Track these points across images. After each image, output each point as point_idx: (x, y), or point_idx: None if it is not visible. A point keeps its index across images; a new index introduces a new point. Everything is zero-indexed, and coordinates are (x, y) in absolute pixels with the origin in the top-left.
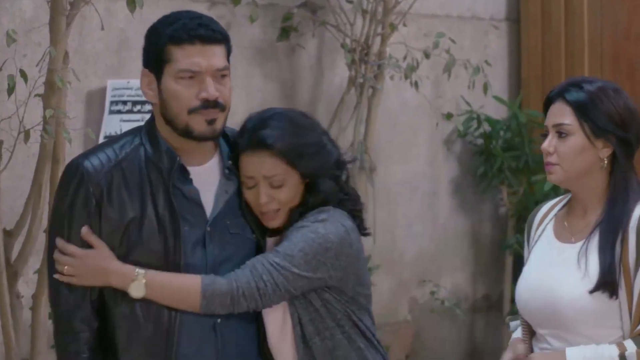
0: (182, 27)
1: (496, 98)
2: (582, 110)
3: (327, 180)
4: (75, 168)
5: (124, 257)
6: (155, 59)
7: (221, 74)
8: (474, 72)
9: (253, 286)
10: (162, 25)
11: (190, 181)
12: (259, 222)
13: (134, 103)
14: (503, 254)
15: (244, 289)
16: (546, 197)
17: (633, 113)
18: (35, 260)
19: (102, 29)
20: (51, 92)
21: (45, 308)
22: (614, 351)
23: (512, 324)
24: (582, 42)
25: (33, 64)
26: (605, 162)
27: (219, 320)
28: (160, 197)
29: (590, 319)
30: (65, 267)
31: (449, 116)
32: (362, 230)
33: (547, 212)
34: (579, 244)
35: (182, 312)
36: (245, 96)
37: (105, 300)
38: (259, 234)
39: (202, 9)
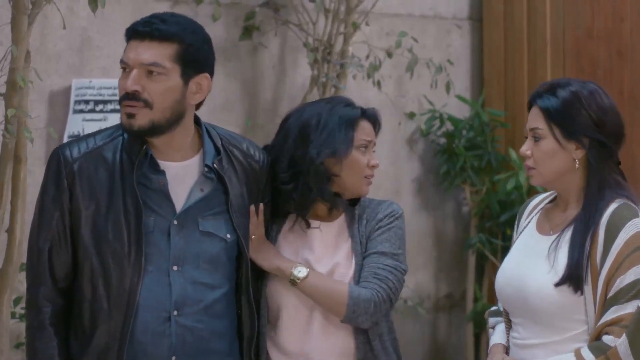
0: (134, 23)
1: (459, 97)
2: (551, 116)
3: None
4: (54, 154)
5: (94, 242)
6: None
7: (150, 70)
8: (436, 71)
9: (385, 288)
10: None
11: (161, 172)
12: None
13: (96, 102)
14: (466, 253)
15: (381, 294)
16: (509, 196)
17: (607, 113)
18: None
19: (64, 27)
20: (13, 91)
21: (7, 307)
22: None
23: (491, 320)
24: (545, 41)
25: None
26: (578, 163)
27: (175, 312)
28: (128, 184)
29: (556, 310)
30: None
31: (411, 115)
32: None
33: (538, 204)
34: (554, 237)
35: (140, 298)
36: (208, 95)
37: (74, 283)
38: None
39: (164, 7)
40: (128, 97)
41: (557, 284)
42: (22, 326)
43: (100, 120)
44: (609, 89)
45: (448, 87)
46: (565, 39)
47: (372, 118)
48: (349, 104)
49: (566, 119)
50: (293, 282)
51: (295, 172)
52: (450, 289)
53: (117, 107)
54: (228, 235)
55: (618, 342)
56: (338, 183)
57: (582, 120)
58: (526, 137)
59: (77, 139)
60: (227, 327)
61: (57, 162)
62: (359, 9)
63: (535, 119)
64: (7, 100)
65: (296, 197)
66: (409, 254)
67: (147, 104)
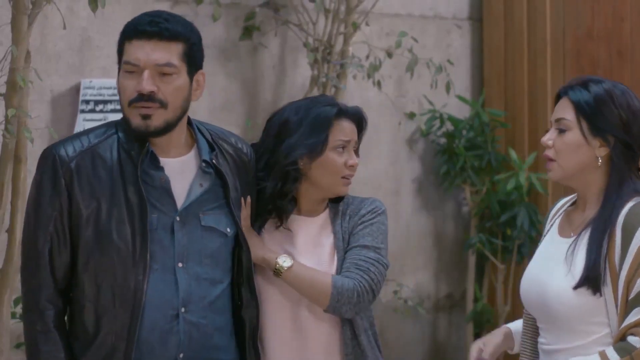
0: (135, 23)
1: (459, 97)
2: (581, 109)
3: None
4: (48, 154)
5: (97, 241)
6: (118, 54)
7: (163, 71)
8: (436, 71)
9: (367, 279)
10: (127, 22)
11: (161, 169)
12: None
13: (97, 102)
14: (466, 253)
15: (364, 284)
16: (509, 196)
17: (637, 116)
18: None
19: (64, 27)
20: (13, 91)
21: (7, 307)
22: None
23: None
24: (545, 41)
25: None
26: (600, 161)
27: (182, 309)
28: (130, 182)
29: (576, 314)
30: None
31: (411, 115)
32: None
33: (562, 207)
34: (572, 239)
35: (147, 296)
36: (208, 95)
37: (74, 283)
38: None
39: (164, 7)
40: (143, 99)
41: (576, 287)
42: (22, 326)
43: (100, 120)
44: None
45: (448, 87)
46: (565, 39)
47: (354, 117)
48: (329, 103)
49: (596, 114)
50: (278, 272)
51: (270, 171)
52: (450, 289)
53: (117, 107)
54: (228, 229)
55: None
56: (314, 183)
57: (612, 118)
58: (548, 130)
59: (68, 138)
60: (226, 321)
61: (52, 161)
62: (359, 9)
63: (564, 110)
64: (7, 100)
65: (266, 195)
66: (409, 254)
67: (163, 104)
